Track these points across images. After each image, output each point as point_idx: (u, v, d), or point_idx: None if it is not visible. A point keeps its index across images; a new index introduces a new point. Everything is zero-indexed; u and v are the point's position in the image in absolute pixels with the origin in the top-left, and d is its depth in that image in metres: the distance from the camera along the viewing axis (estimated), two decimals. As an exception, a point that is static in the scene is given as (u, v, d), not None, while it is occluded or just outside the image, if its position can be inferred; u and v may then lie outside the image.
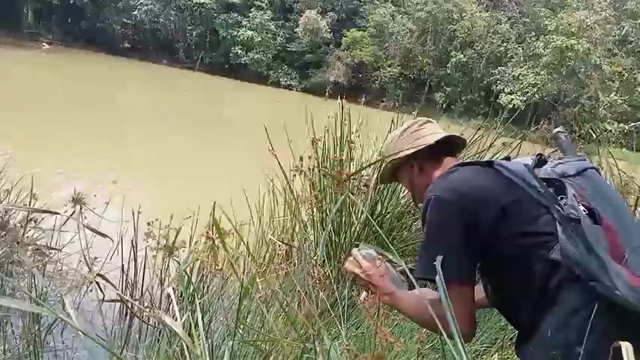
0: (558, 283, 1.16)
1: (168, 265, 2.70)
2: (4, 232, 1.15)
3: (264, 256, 3.59)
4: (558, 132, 1.38)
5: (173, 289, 1.32)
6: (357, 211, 3.29)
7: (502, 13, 32.35)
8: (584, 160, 1.33)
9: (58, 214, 0.94)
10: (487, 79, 31.36)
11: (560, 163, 1.32)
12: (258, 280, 3.14)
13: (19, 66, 20.26)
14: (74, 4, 33.07)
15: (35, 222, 1.64)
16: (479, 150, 3.45)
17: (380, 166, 2.71)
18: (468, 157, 3.34)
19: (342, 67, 32.78)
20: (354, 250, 1.48)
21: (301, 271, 3.20)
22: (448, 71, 32.18)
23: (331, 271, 3.24)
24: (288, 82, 33.87)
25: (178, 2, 32.64)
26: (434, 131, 1.54)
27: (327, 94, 31.96)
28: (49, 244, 1.80)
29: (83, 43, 31.42)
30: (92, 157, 9.04)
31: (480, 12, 31.71)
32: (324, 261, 3.38)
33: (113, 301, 1.84)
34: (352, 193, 2.96)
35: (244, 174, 7.98)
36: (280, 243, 3.40)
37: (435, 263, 1.00)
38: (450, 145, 1.55)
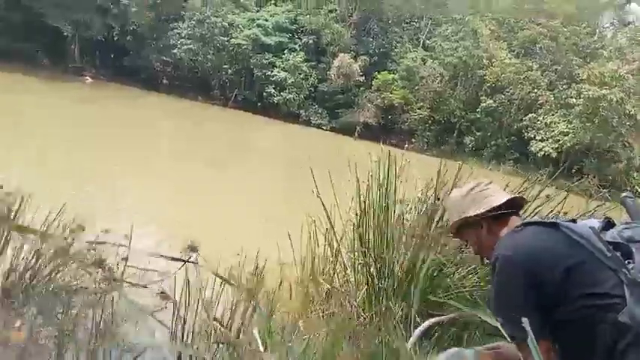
0: (626, 345, 1.19)
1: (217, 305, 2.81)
2: (100, 269, 1.26)
3: (306, 294, 3.64)
4: (625, 197, 1.44)
5: (258, 331, 1.40)
6: (399, 257, 3.34)
7: (533, 60, 32.53)
8: None
9: (184, 261, 1.04)
10: (517, 125, 31.27)
11: (626, 228, 1.36)
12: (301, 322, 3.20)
13: (65, 101, 21.27)
14: (118, 41, 34.85)
15: (126, 260, 1.76)
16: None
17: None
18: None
19: (372, 109, 33.24)
20: (441, 358, 1.54)
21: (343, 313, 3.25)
22: (478, 115, 32.26)
23: (373, 315, 3.28)
24: (318, 122, 34.45)
25: (216, 42, 33.97)
26: (498, 192, 1.62)
27: (356, 134, 32.51)
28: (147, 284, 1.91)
29: (124, 79, 32.79)
30: (126, 189, 9.34)
31: (510, 59, 31.96)
32: (364, 304, 3.42)
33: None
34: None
35: (284, 212, 8.13)
36: (324, 284, 3.46)
37: (508, 322, 1.06)
38: (513, 204, 1.62)
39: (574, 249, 1.31)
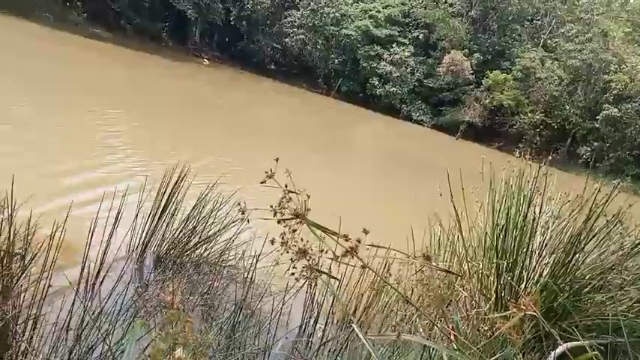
0: None
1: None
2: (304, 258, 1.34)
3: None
4: None
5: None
6: (535, 274, 3.19)
7: (671, 68, 29.17)
8: None
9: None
10: (643, 138, 28.38)
11: None
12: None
13: (192, 81, 22.87)
14: (234, 26, 36.61)
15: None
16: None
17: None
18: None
19: (478, 108, 31.94)
20: None
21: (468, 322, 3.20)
22: (597, 124, 29.69)
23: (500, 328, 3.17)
24: (419, 117, 33.82)
25: (326, 32, 34.46)
26: None
27: (459, 133, 31.43)
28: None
29: (236, 61, 34.51)
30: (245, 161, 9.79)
31: (644, 65, 28.94)
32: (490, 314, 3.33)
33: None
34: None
35: (403, 210, 8.08)
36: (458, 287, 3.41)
37: None
38: None
39: None
